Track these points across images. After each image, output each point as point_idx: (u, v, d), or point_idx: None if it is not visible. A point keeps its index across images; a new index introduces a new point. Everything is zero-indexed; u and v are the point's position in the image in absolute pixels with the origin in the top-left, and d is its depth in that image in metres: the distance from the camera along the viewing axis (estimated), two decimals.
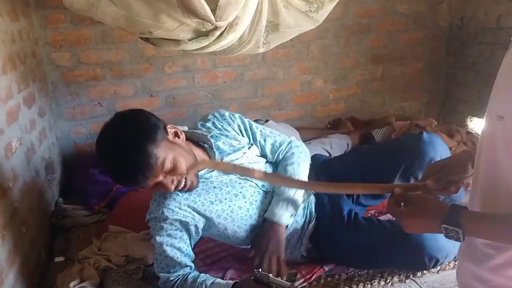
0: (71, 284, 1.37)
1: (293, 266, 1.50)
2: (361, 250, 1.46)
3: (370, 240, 1.44)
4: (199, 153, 1.40)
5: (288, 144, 1.55)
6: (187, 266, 1.37)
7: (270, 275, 1.17)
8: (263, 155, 1.53)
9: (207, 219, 1.39)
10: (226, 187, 1.40)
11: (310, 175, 1.58)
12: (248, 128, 1.52)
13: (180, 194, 1.36)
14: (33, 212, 1.68)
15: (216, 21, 1.38)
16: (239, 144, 1.47)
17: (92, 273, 1.44)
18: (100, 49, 2.44)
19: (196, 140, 1.45)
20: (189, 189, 1.33)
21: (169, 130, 1.30)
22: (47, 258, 1.73)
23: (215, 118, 1.51)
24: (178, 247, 1.35)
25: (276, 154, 1.54)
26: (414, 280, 1.46)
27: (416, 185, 1.11)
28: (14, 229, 1.42)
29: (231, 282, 1.26)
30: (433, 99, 3.23)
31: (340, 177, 1.54)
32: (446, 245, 1.36)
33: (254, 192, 1.45)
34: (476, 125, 2.93)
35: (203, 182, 1.39)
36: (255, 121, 2.47)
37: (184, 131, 1.40)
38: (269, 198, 1.47)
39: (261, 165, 1.49)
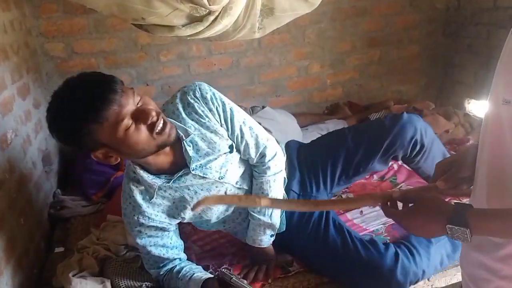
0: (71, 274, 1.37)
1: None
2: (325, 262, 1.42)
3: (339, 259, 1.38)
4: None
5: (263, 151, 1.36)
6: (175, 259, 1.35)
7: (233, 276, 1.20)
8: (237, 150, 1.34)
9: (183, 218, 1.34)
10: (202, 190, 1.29)
11: (292, 162, 1.57)
12: (229, 119, 1.29)
13: (154, 202, 1.27)
14: (31, 204, 1.68)
15: (209, 5, 1.36)
16: (219, 139, 1.28)
17: (91, 263, 1.44)
18: (94, 38, 2.42)
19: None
20: (169, 135, 1.11)
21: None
22: (46, 249, 1.74)
23: (196, 101, 1.24)
24: (162, 244, 1.33)
25: (253, 159, 1.37)
26: None
27: (426, 187, 1.05)
28: (12, 220, 1.42)
29: (204, 278, 1.23)
30: (430, 82, 3.22)
31: (318, 160, 1.56)
32: (418, 271, 1.34)
33: (228, 191, 1.36)
34: (474, 107, 2.92)
35: (179, 186, 1.26)
36: (252, 108, 2.47)
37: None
38: (243, 191, 1.40)
39: (235, 164, 1.34)
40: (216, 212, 1.37)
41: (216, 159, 1.27)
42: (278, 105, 2.81)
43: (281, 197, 1.43)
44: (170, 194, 1.27)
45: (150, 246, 1.31)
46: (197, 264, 1.41)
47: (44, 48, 2.35)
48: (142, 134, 1.06)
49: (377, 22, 2.94)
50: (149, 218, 1.27)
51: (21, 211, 1.52)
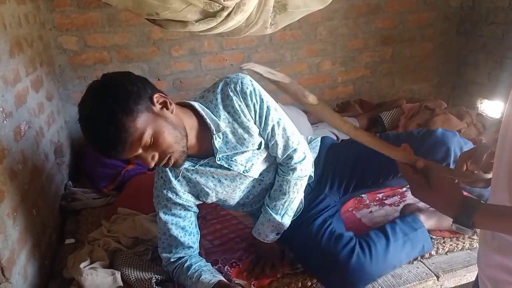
0: (82, 265, 1.39)
1: None
2: (297, 252, 1.46)
3: (304, 246, 1.41)
4: (192, 130, 1.23)
5: (291, 153, 1.36)
6: (190, 247, 1.37)
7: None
8: (266, 147, 1.36)
9: (205, 201, 1.41)
10: (225, 180, 1.35)
11: (319, 158, 1.57)
12: (263, 116, 1.28)
13: (181, 180, 1.33)
14: (43, 195, 1.70)
15: (223, 0, 1.36)
16: (250, 137, 1.29)
17: (102, 255, 1.46)
18: (107, 32, 2.43)
19: (204, 116, 1.24)
20: (174, 164, 1.19)
21: (155, 99, 1.12)
22: (57, 240, 1.76)
23: (235, 94, 1.25)
24: (183, 226, 1.36)
25: (280, 158, 1.38)
26: (422, 262, 1.46)
27: (450, 170, 1.04)
28: (25, 211, 1.44)
29: (211, 283, 1.24)
30: (443, 81, 3.19)
31: (343, 163, 1.54)
32: (373, 267, 1.33)
33: (250, 183, 1.40)
34: (487, 107, 2.89)
35: (204, 171, 1.31)
36: None
37: (193, 102, 1.26)
38: (264, 184, 1.42)
39: (261, 160, 1.36)
40: (237, 199, 1.42)
41: (243, 153, 1.30)
42: (288, 101, 2.80)
43: (297, 203, 1.43)
44: (195, 177, 1.32)
45: (172, 224, 1.34)
46: (206, 260, 1.42)
47: (57, 41, 2.37)
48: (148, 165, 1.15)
49: (390, 20, 2.91)
50: (176, 194, 1.33)
51: (33, 203, 1.54)
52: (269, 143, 1.33)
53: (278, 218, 1.39)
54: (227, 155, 1.29)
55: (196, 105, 1.24)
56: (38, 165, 1.70)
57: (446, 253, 1.48)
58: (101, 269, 1.41)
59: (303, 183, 1.42)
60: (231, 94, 1.25)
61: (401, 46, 3.01)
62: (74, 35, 2.38)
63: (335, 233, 1.37)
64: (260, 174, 1.39)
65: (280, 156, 1.35)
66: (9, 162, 1.36)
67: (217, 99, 1.26)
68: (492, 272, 0.86)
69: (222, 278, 1.30)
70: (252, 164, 1.33)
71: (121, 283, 1.38)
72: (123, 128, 1.04)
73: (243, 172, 1.33)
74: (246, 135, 1.28)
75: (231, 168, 1.30)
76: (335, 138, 2.52)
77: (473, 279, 1.48)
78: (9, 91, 1.48)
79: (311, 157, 1.46)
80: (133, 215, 1.67)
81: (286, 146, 1.34)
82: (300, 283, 1.39)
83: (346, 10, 2.79)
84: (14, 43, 1.63)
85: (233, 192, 1.39)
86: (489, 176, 0.92)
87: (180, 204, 1.35)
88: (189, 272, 1.32)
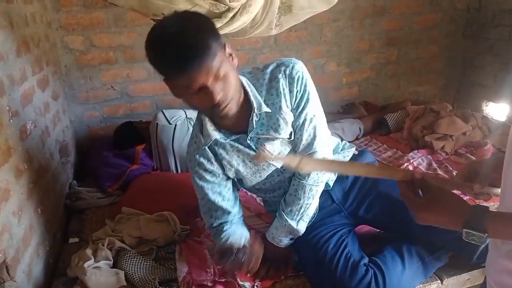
0: (86, 264, 1.39)
1: None
2: (307, 267, 1.42)
3: (318, 269, 1.36)
4: (242, 96, 1.20)
5: (312, 154, 1.33)
6: (229, 212, 1.36)
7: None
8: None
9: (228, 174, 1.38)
10: (249, 162, 1.33)
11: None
12: (301, 107, 1.26)
13: (213, 148, 1.31)
14: (48, 194, 1.71)
15: (229, 2, 1.37)
16: (285, 125, 1.27)
17: (106, 254, 1.46)
18: (113, 32, 2.44)
19: (248, 92, 1.22)
20: (226, 113, 1.14)
21: (226, 47, 1.12)
22: (62, 239, 1.77)
23: (283, 78, 1.24)
24: (219, 191, 1.35)
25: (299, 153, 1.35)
26: None
27: (455, 182, 0.99)
28: (30, 210, 1.45)
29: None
30: (448, 83, 3.18)
31: (372, 195, 1.46)
32: None
33: (272, 172, 1.39)
34: (492, 109, 2.88)
35: (232, 147, 1.30)
36: None
37: (240, 76, 1.23)
38: (283, 177, 1.40)
39: (288, 151, 1.34)
40: (254, 183, 1.41)
41: (273, 140, 1.29)
42: None
43: (313, 209, 1.41)
44: (221, 153, 1.31)
45: (207, 189, 1.35)
46: (210, 259, 1.42)
47: (63, 41, 2.38)
48: (201, 103, 1.10)
49: (396, 21, 2.91)
50: (208, 160, 1.31)
51: (38, 202, 1.55)
52: (295, 135, 1.32)
53: (293, 224, 1.37)
54: (258, 138, 1.28)
55: (243, 79, 1.24)
56: (44, 164, 1.70)
57: (450, 257, 1.47)
58: (105, 269, 1.42)
59: (319, 189, 1.39)
60: (280, 76, 1.24)
61: (407, 48, 3.00)
62: (80, 35, 2.40)
63: (351, 259, 1.32)
64: (282, 166, 1.37)
65: (299, 151, 1.33)
66: (15, 161, 1.37)
67: (264, 79, 1.26)
68: (501, 277, 0.85)
69: (245, 242, 1.32)
70: (278, 153, 1.32)
71: (124, 283, 1.39)
72: (210, 46, 1.02)
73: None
74: (281, 121, 1.27)
75: (259, 151, 1.30)
76: (339, 139, 2.52)
77: (477, 283, 1.48)
78: (16, 90, 1.49)
79: None
80: (137, 215, 1.67)
81: (309, 145, 1.31)
82: (302, 286, 1.39)
83: (351, 11, 2.79)
84: (21, 43, 1.64)
85: (252, 175, 1.37)
86: (496, 190, 0.89)
87: (212, 171, 1.33)
88: (222, 234, 1.34)
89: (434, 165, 2.12)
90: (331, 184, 1.47)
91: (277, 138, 1.29)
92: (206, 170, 1.33)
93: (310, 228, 1.41)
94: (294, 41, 2.75)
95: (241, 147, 1.30)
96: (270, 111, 1.24)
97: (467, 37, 3.01)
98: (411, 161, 2.15)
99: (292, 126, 1.30)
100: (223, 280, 1.36)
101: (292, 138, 1.32)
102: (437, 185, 0.85)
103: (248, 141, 1.28)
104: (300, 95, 1.26)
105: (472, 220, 0.76)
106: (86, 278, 1.36)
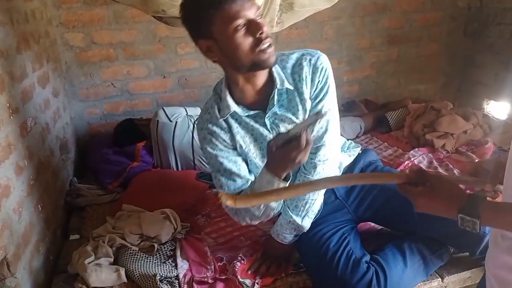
0: (86, 261, 1.39)
1: None
2: (308, 263, 1.42)
3: (319, 266, 1.36)
4: (261, 75, 1.22)
5: (319, 147, 1.32)
6: (248, 179, 1.31)
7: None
8: None
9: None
10: (261, 143, 1.30)
11: (354, 168, 1.52)
12: (318, 98, 1.28)
13: (228, 122, 1.29)
14: (49, 191, 1.71)
15: None
16: (302, 110, 1.28)
17: (106, 251, 1.46)
18: (113, 29, 2.44)
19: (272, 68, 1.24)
20: (267, 58, 1.15)
21: None
22: (62, 236, 1.77)
23: (308, 66, 1.26)
24: (234, 160, 1.31)
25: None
26: None
27: (471, 180, 1.02)
28: (30, 206, 1.44)
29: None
30: (449, 82, 3.17)
31: (383, 196, 1.45)
32: None
33: None
34: (493, 108, 2.88)
35: (247, 124, 1.29)
36: None
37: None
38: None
39: None
40: (260, 169, 1.34)
41: (289, 123, 1.28)
42: None
43: (318, 206, 1.39)
44: (237, 126, 1.29)
45: (222, 158, 1.30)
46: (210, 256, 1.42)
47: (64, 38, 2.38)
48: (246, 42, 1.11)
49: (397, 19, 2.90)
50: (221, 129, 1.29)
51: (39, 198, 1.55)
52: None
53: (298, 220, 1.36)
54: (275, 119, 1.28)
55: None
56: (44, 161, 1.70)
57: (451, 254, 1.47)
58: (105, 265, 1.41)
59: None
60: (304, 63, 1.26)
61: (408, 46, 2.99)
62: (81, 32, 2.39)
63: (352, 257, 1.31)
64: None
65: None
66: (15, 157, 1.37)
67: (287, 62, 1.27)
68: (500, 272, 0.86)
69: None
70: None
71: (125, 280, 1.39)
72: None
73: None
74: (300, 106, 1.27)
75: (271, 132, 1.28)
76: (360, 130, 2.54)
77: (478, 280, 1.48)
78: (16, 87, 1.49)
79: (336, 161, 1.41)
80: (138, 212, 1.67)
81: (319, 138, 1.31)
82: (303, 283, 1.39)
83: (352, 9, 2.78)
84: (21, 39, 1.63)
85: (262, 158, 1.33)
86: (501, 187, 0.92)
87: (225, 141, 1.30)
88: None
89: (435, 163, 2.12)
90: None
91: (293, 122, 1.28)
92: (219, 138, 1.30)
93: (312, 225, 1.40)
94: (295, 39, 2.75)
95: (256, 125, 1.29)
96: (292, 88, 1.25)
97: (468, 35, 3.01)
98: (412, 159, 2.15)
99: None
100: (223, 277, 1.36)
101: None
102: (434, 175, 0.90)
103: (266, 119, 1.27)
104: (320, 86, 1.27)
105: (467, 206, 0.80)
106: (87, 274, 1.36)
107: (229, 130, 1.30)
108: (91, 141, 2.53)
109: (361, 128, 2.60)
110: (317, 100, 1.28)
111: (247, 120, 1.28)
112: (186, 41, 2.57)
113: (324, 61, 1.27)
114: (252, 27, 1.10)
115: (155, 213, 1.64)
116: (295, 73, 1.26)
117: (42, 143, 1.72)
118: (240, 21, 1.09)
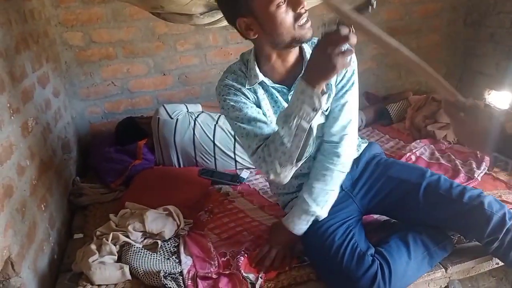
0: (90, 259, 1.39)
1: None
2: (312, 256, 1.42)
3: (324, 257, 1.34)
4: (293, 53, 1.28)
5: (344, 136, 1.37)
6: (274, 128, 1.30)
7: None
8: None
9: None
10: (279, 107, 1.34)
11: (359, 161, 1.52)
12: (345, 89, 1.33)
13: (254, 88, 1.33)
14: (52, 190, 1.71)
15: None
16: (326, 94, 1.23)
17: (110, 249, 1.47)
18: (112, 27, 2.43)
19: (304, 49, 1.30)
20: (306, 32, 1.20)
21: None
22: (66, 235, 1.77)
23: None
24: (258, 111, 1.32)
25: (329, 138, 1.38)
26: None
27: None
28: (33, 206, 1.45)
29: None
30: (450, 73, 3.15)
31: (387, 185, 1.47)
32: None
33: None
34: (494, 98, 2.86)
35: (272, 93, 1.33)
36: None
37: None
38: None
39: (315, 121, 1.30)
40: None
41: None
42: None
43: (334, 198, 1.39)
44: (263, 93, 1.34)
45: (246, 108, 1.30)
46: (214, 251, 1.42)
47: (63, 38, 2.38)
48: (288, 18, 1.16)
49: (396, 11, 2.89)
50: (242, 93, 1.32)
51: (42, 198, 1.55)
52: (330, 114, 1.36)
53: (318, 209, 1.36)
54: None
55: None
56: (46, 161, 1.71)
57: (454, 245, 1.47)
58: (109, 263, 1.42)
59: (342, 177, 1.40)
60: None
61: (408, 37, 2.97)
62: (79, 31, 2.39)
63: (358, 249, 1.30)
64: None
65: (331, 133, 1.36)
66: (17, 157, 1.37)
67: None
68: None
69: None
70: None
71: (129, 277, 1.39)
72: None
73: None
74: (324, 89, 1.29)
75: None
76: (361, 123, 2.55)
77: (481, 271, 1.48)
78: (16, 87, 1.49)
79: (354, 153, 1.45)
80: (141, 209, 1.67)
81: (344, 127, 1.36)
82: (307, 277, 1.39)
83: (351, 1, 2.76)
84: (20, 39, 1.63)
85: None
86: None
87: (247, 96, 1.32)
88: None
89: (437, 154, 2.12)
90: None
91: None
92: (240, 92, 1.31)
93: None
94: None
95: (280, 98, 1.34)
96: None
97: (468, 25, 2.99)
98: (414, 150, 2.14)
99: (331, 103, 1.35)
100: (227, 272, 1.37)
101: (327, 111, 1.35)
102: (484, 109, 0.93)
103: (289, 96, 1.31)
104: (349, 76, 1.33)
105: (505, 147, 0.82)
106: (91, 272, 1.36)
107: (255, 94, 1.34)
108: (92, 140, 2.53)
109: (362, 121, 2.59)
110: (343, 91, 1.34)
111: (273, 91, 1.33)
112: (185, 38, 2.57)
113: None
114: (293, 3, 1.15)
115: (158, 210, 1.65)
116: None
117: (43, 143, 1.72)
118: None
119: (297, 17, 1.16)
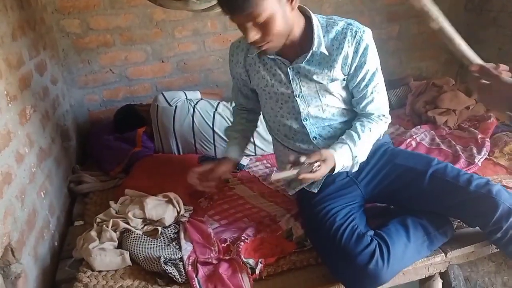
0: (91, 246, 1.40)
1: None
2: (312, 236, 1.44)
3: (324, 238, 1.36)
4: (298, 28, 1.32)
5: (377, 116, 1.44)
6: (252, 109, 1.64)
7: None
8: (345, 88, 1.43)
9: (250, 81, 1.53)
10: (279, 83, 1.42)
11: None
12: (360, 77, 1.38)
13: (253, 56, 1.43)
14: (51, 178, 1.71)
15: None
16: (326, 75, 1.37)
17: (110, 235, 1.47)
18: (109, 14, 2.41)
19: (314, 29, 1.32)
20: (264, 51, 1.30)
21: None
22: (66, 222, 1.78)
23: (351, 37, 1.33)
24: (246, 94, 1.58)
25: (360, 107, 1.44)
26: None
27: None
28: (33, 193, 1.45)
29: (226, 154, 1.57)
30: (451, 58, 3.12)
31: (393, 173, 1.47)
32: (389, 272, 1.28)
33: (290, 111, 1.45)
34: None
35: (272, 65, 1.41)
36: None
37: (314, 15, 1.35)
38: (296, 126, 1.46)
39: (314, 105, 1.43)
40: (269, 111, 1.52)
41: (310, 80, 1.38)
42: None
43: (370, 147, 1.44)
44: (261, 64, 1.42)
45: (238, 86, 1.58)
46: (214, 237, 1.43)
47: (60, 25, 2.36)
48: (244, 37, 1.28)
49: None
50: (248, 49, 1.44)
51: (41, 185, 1.55)
52: (362, 100, 1.42)
53: (361, 157, 1.40)
54: (298, 71, 1.37)
55: (315, 19, 1.34)
56: (45, 148, 1.70)
57: (454, 230, 1.47)
58: (110, 249, 1.42)
59: (378, 136, 1.47)
60: (348, 34, 1.33)
61: (408, 23, 2.95)
62: (76, 18, 2.37)
63: (357, 230, 1.31)
64: (305, 119, 1.44)
65: (370, 111, 1.44)
66: (15, 145, 1.37)
67: (333, 28, 1.35)
68: None
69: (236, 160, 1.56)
70: (308, 99, 1.41)
71: (130, 263, 1.40)
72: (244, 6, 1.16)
73: (294, 93, 1.40)
74: (326, 70, 1.36)
75: (290, 83, 1.38)
76: None
77: (481, 255, 1.48)
78: (13, 75, 1.48)
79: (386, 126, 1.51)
80: (140, 196, 1.67)
81: (379, 108, 1.44)
82: (306, 262, 1.39)
83: None
84: (16, 26, 1.62)
85: (275, 104, 1.47)
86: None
87: (245, 70, 1.47)
88: (229, 131, 1.64)
89: (437, 140, 2.11)
90: None
91: (314, 81, 1.37)
92: (240, 66, 1.48)
93: (319, 201, 1.41)
94: None
95: (279, 71, 1.40)
96: (327, 53, 1.33)
97: (470, 10, 2.96)
98: (414, 136, 2.13)
99: (351, 86, 1.41)
100: (227, 257, 1.37)
101: (332, 90, 1.40)
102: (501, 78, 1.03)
103: (289, 70, 1.37)
104: (358, 65, 1.36)
105: None
106: (91, 259, 1.37)
107: (255, 64, 1.44)
108: (91, 128, 2.53)
109: None
110: (358, 78, 1.38)
111: (272, 64, 1.40)
112: (183, 24, 2.55)
113: (368, 38, 1.35)
114: (244, 30, 1.25)
115: (158, 197, 1.65)
116: (336, 40, 1.33)
117: (42, 131, 1.71)
118: (237, 25, 1.26)
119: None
